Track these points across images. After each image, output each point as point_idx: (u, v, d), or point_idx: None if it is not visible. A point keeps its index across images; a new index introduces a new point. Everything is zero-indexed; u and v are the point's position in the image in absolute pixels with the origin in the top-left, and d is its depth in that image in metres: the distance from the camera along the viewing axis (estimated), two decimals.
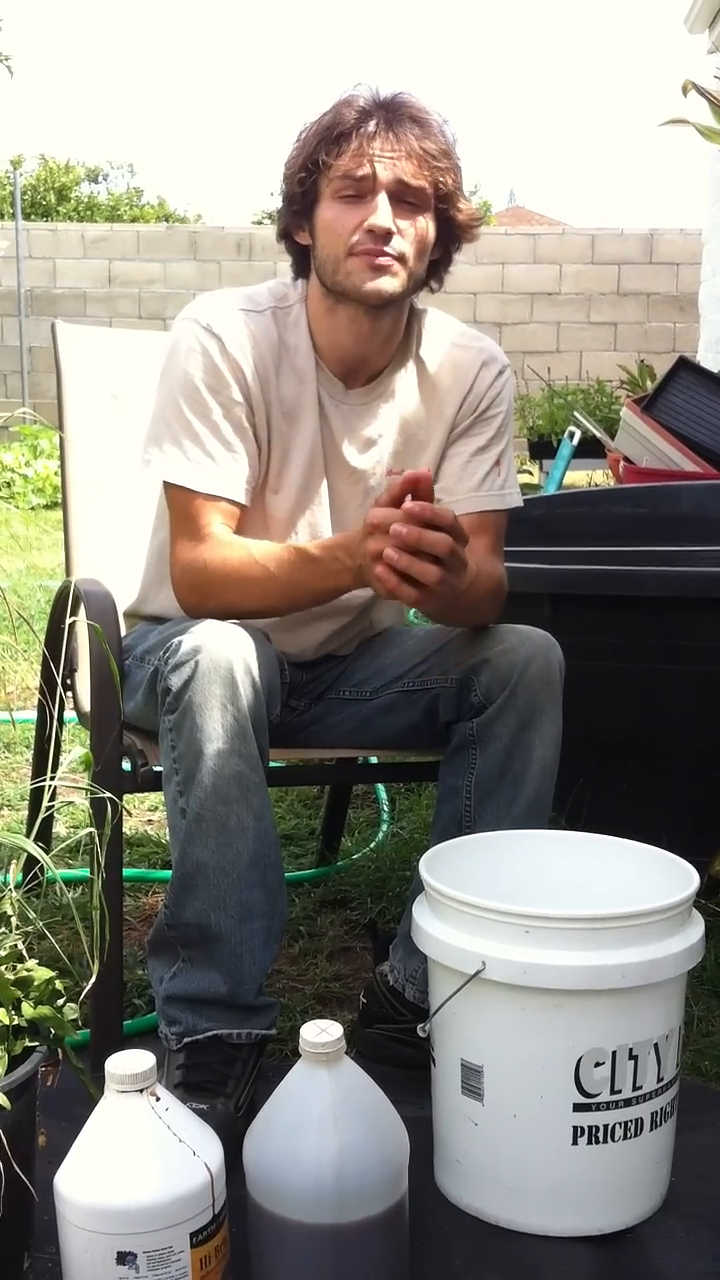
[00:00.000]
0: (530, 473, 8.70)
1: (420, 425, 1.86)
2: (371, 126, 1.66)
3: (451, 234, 1.77)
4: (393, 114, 1.68)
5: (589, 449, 6.20)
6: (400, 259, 1.70)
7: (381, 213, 1.67)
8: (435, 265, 1.80)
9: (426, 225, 1.72)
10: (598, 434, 5.87)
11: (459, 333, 1.90)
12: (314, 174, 1.70)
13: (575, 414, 6.50)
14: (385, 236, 1.67)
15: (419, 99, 1.71)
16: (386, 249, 1.68)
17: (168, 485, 1.76)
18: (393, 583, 1.53)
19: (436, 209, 1.72)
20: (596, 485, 7.05)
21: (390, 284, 1.71)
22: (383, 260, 1.69)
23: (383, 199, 1.67)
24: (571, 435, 6.08)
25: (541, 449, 8.38)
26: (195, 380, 1.74)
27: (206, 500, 1.73)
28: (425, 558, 1.52)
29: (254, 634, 1.66)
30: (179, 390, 1.74)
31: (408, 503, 1.52)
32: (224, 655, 1.58)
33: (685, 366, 5.16)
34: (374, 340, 1.78)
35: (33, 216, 20.17)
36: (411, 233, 1.70)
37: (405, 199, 1.68)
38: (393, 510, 1.53)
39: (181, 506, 1.75)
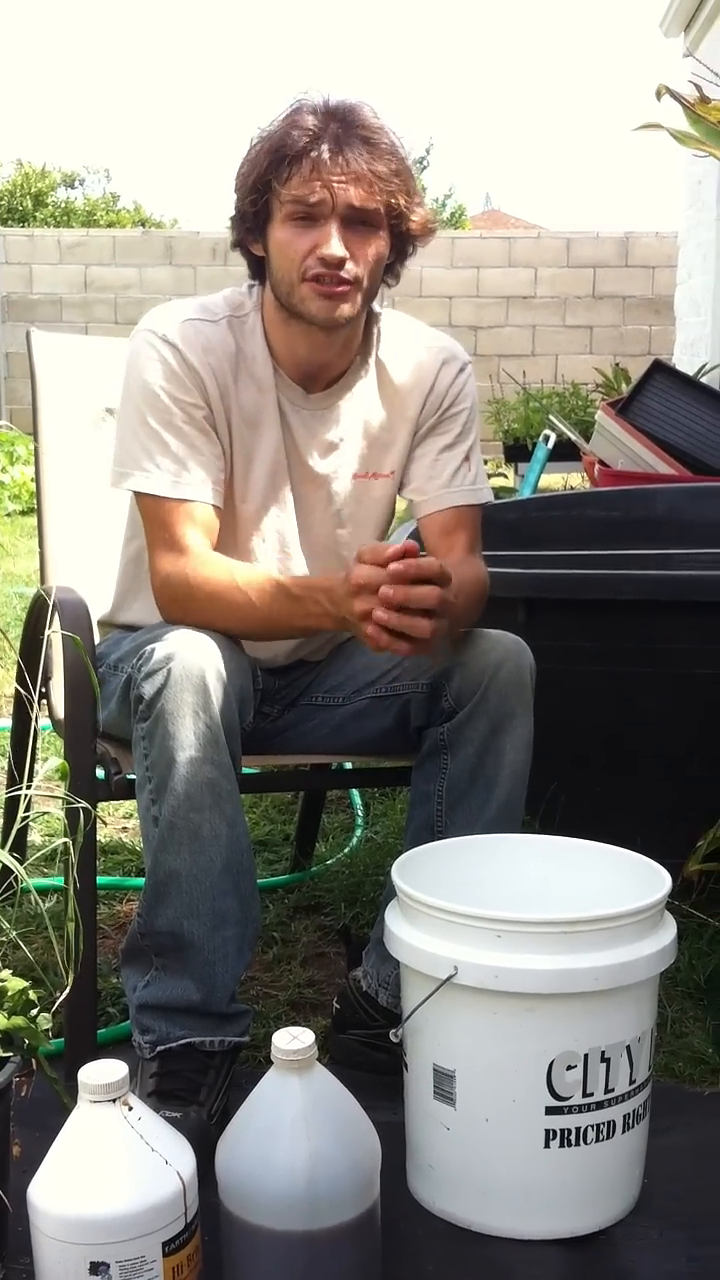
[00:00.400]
0: (505, 475, 8.72)
1: (383, 428, 1.86)
2: (323, 151, 1.64)
3: (406, 239, 1.76)
4: (343, 132, 1.66)
5: (564, 452, 6.23)
6: (354, 282, 1.70)
7: (334, 241, 1.66)
8: (391, 265, 1.79)
9: (380, 244, 1.71)
10: (573, 437, 5.89)
11: (419, 333, 1.90)
12: (265, 194, 1.69)
13: (550, 417, 6.52)
14: (338, 264, 1.67)
15: (369, 111, 1.70)
16: (341, 274, 1.68)
17: (140, 495, 1.76)
18: (385, 640, 1.56)
19: (389, 224, 1.72)
20: (572, 488, 7.07)
21: (345, 310, 1.71)
22: (338, 289, 1.69)
23: (334, 225, 1.66)
24: (547, 438, 6.10)
25: (517, 452, 8.41)
26: (155, 388, 1.73)
27: (180, 506, 1.73)
28: (415, 612, 1.54)
29: (226, 641, 1.66)
30: (141, 400, 1.74)
31: (393, 565, 1.53)
32: (196, 663, 1.58)
33: (660, 370, 5.20)
34: (331, 349, 1.79)
35: (9, 222, 20.11)
36: (364, 254, 1.69)
37: (357, 221, 1.68)
38: (377, 570, 1.55)
39: (156, 515, 1.74)
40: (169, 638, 1.62)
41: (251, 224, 1.73)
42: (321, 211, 1.66)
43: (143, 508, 1.77)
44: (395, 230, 1.73)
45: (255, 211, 1.71)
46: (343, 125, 1.66)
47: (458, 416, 1.88)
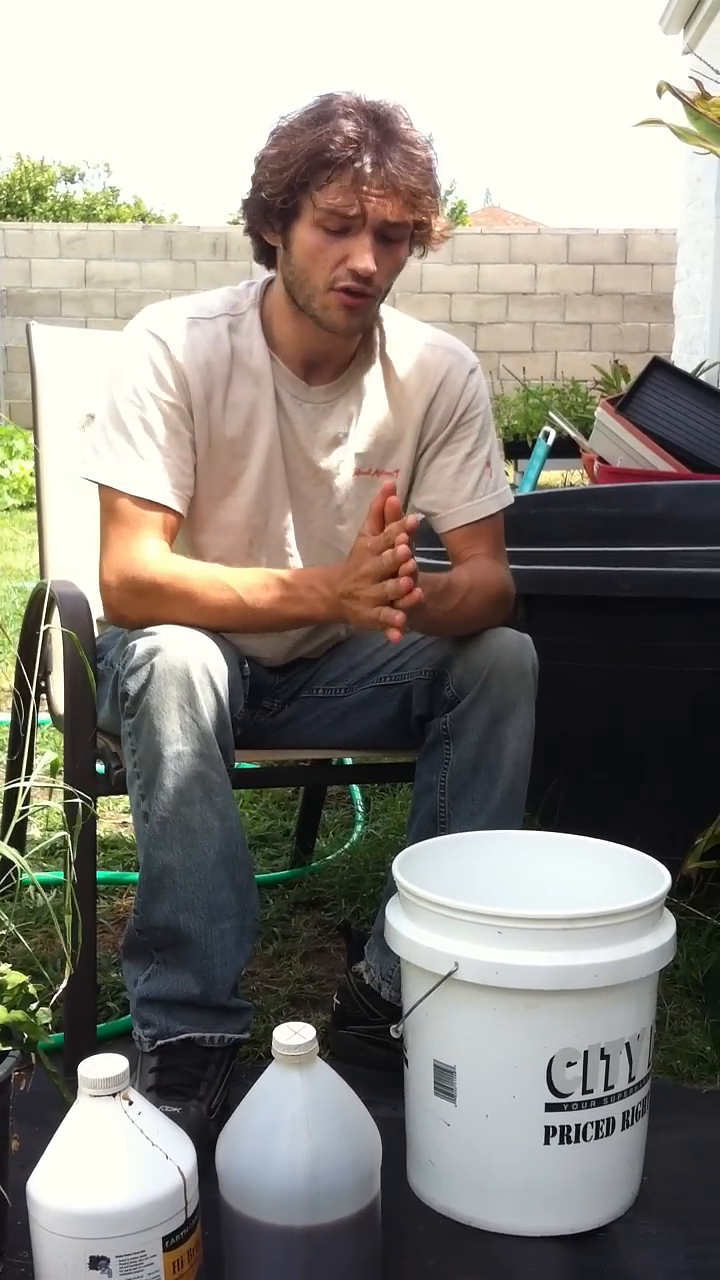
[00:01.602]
0: (506, 472, 8.71)
1: (387, 425, 1.86)
2: (366, 163, 1.62)
3: (423, 244, 1.75)
4: (384, 142, 1.64)
5: (564, 449, 6.21)
6: (375, 294, 1.70)
7: (368, 256, 1.66)
8: None
9: (402, 254, 1.72)
10: (572, 434, 5.88)
11: (424, 332, 1.90)
12: (298, 194, 1.66)
13: (550, 414, 6.51)
14: (369, 278, 1.67)
15: (404, 117, 1.68)
16: (366, 288, 1.68)
17: (102, 488, 1.75)
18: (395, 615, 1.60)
19: (412, 233, 1.72)
20: (571, 485, 7.07)
21: (363, 320, 1.73)
22: (361, 303, 1.69)
23: (369, 238, 1.66)
24: (546, 435, 6.08)
25: (516, 449, 8.39)
26: (134, 384, 1.73)
27: (142, 504, 1.72)
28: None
29: (210, 633, 1.66)
30: (118, 394, 1.74)
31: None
32: (179, 657, 1.58)
33: (659, 367, 5.17)
34: (335, 341, 1.78)
35: (8, 216, 20.09)
36: (389, 266, 1.70)
37: (387, 235, 1.67)
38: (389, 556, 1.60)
39: (115, 509, 1.73)
40: (153, 633, 1.62)
41: (275, 217, 1.71)
42: (357, 224, 1.65)
43: (103, 500, 1.75)
44: (415, 237, 1.73)
45: (283, 210, 1.68)
46: (382, 134, 1.64)
47: (474, 422, 1.88)
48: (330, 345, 1.79)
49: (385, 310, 1.88)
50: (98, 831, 2.19)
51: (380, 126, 1.65)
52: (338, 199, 1.63)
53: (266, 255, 1.79)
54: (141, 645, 1.61)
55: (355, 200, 1.63)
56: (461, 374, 1.87)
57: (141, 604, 1.69)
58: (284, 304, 1.77)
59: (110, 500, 1.74)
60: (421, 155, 1.68)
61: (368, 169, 1.62)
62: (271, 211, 1.70)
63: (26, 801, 1.83)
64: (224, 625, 1.70)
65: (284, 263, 1.74)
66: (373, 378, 1.85)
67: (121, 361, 1.75)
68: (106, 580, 1.73)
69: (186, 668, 1.58)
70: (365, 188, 1.63)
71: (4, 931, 1.44)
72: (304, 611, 1.70)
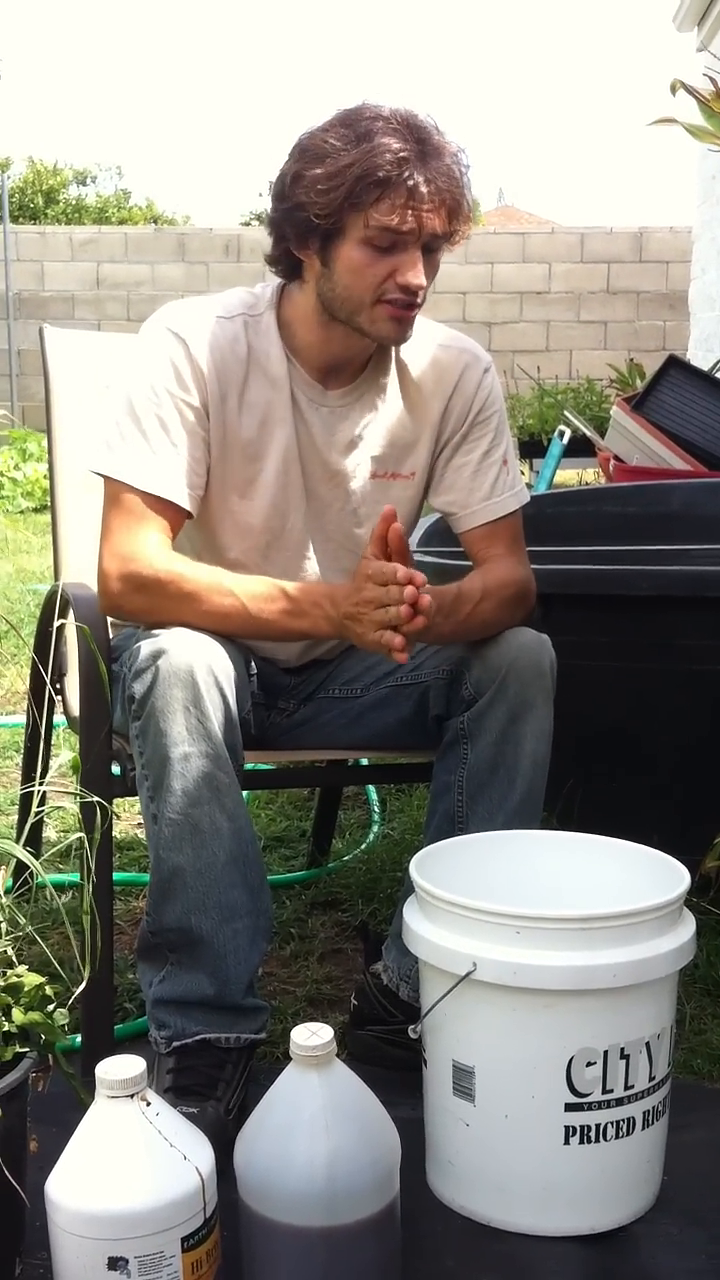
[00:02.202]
0: (521, 471, 8.69)
1: (404, 427, 1.85)
2: (420, 183, 1.62)
3: (449, 244, 1.76)
4: (429, 156, 1.64)
5: (579, 448, 6.20)
6: (422, 302, 1.71)
7: (419, 270, 1.67)
8: None
9: (440, 258, 1.73)
10: (588, 433, 5.87)
11: (438, 332, 1.89)
12: (345, 214, 1.65)
13: (565, 413, 6.50)
14: (419, 291, 1.68)
15: (434, 126, 1.68)
16: (415, 300, 1.69)
17: (109, 480, 1.74)
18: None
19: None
20: (587, 484, 7.06)
21: (410, 330, 1.74)
22: (410, 314, 1.70)
23: (417, 252, 1.66)
24: (562, 434, 6.07)
25: (532, 448, 8.38)
26: (152, 381, 1.72)
27: (145, 497, 1.71)
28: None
29: (216, 634, 1.66)
30: (135, 390, 1.73)
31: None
32: (184, 659, 1.58)
33: (675, 365, 5.17)
34: (362, 344, 1.78)
35: (20, 219, 20.12)
36: (431, 275, 1.71)
37: (430, 245, 1.68)
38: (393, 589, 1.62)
39: (120, 500, 1.72)
40: (157, 635, 1.62)
41: (317, 235, 1.68)
42: (408, 239, 1.65)
43: (108, 492, 1.74)
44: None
45: (327, 230, 1.66)
46: (423, 146, 1.64)
47: (489, 421, 1.88)
48: (354, 352, 1.79)
49: None
50: (114, 833, 2.19)
51: (421, 141, 1.65)
52: (392, 217, 1.63)
53: (289, 269, 1.77)
54: (146, 647, 1.60)
55: (409, 217, 1.63)
56: (476, 373, 1.87)
57: (139, 598, 1.69)
58: (313, 314, 1.76)
59: (116, 492, 1.73)
60: (458, 167, 1.68)
61: (422, 186, 1.62)
62: (314, 231, 1.68)
63: (42, 803, 1.83)
64: (226, 630, 1.69)
65: (322, 279, 1.71)
66: (389, 380, 1.85)
67: (140, 358, 1.75)
68: (106, 569, 1.71)
69: (191, 669, 1.58)
70: (418, 204, 1.63)
71: (21, 933, 1.44)
72: (307, 627, 1.70)
